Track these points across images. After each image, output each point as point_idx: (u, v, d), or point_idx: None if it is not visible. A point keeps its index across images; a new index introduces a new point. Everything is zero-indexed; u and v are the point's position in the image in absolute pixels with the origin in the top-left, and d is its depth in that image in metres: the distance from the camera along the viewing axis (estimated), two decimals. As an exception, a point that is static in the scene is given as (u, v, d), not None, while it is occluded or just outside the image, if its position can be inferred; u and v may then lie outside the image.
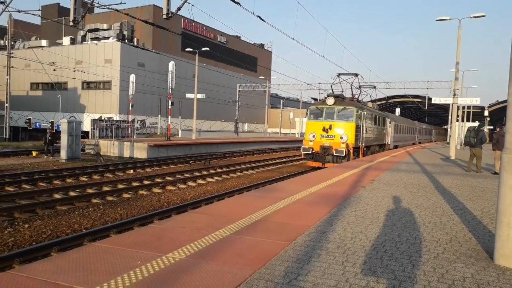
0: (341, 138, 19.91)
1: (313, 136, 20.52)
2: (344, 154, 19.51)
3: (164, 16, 15.06)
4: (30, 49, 46.22)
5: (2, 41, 58.17)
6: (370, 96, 30.80)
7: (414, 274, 3.92)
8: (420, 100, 59.95)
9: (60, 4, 62.30)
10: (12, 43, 43.80)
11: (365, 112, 21.81)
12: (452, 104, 24.64)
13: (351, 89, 25.00)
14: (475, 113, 58.15)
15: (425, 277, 3.84)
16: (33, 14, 21.16)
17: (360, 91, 26.70)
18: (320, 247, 4.67)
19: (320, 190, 8.88)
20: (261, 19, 17.19)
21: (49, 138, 23.39)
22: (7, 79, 35.91)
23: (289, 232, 5.26)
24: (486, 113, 55.93)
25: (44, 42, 53.81)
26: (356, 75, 24.59)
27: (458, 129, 34.27)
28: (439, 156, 22.91)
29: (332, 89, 25.63)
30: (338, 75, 25.03)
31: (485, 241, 5.20)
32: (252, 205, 6.96)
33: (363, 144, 21.60)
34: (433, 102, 28.25)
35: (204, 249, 4.47)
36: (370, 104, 25.75)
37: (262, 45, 78.85)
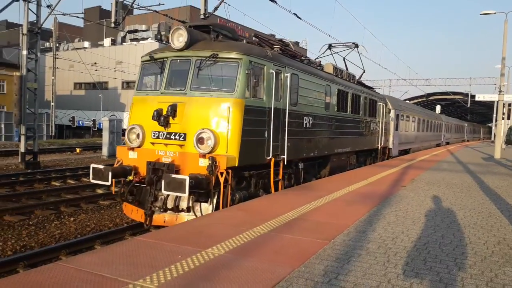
0: (200, 141, 7.33)
1: (138, 136, 8.06)
2: (204, 186, 6.95)
3: (201, 16, 15.23)
4: (74, 50, 48.14)
5: (47, 43, 61.01)
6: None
7: (460, 277, 3.77)
8: (462, 97, 57.68)
9: (102, 7, 64.57)
10: (57, 45, 45.80)
11: (288, 75, 8.98)
12: (498, 101, 23.52)
13: (344, 62, 16.13)
14: (522, 111, 55.17)
15: (473, 281, 3.68)
16: (77, 17, 22.04)
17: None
18: (360, 247, 4.57)
19: (359, 189, 8.71)
20: (298, 16, 17.03)
21: None
22: (53, 79, 37.64)
23: (327, 231, 5.19)
24: (534, 110, 53.03)
25: (86, 44, 55.90)
26: (356, 45, 15.30)
27: (504, 127, 32.21)
28: (482, 155, 21.95)
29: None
30: (329, 46, 15.49)
31: (537, 244, 4.93)
32: (288, 203, 6.93)
33: (285, 156, 8.86)
34: (476, 99, 27.14)
35: (242, 245, 4.49)
36: (330, 69, 12.68)
37: (297, 43, 78.40)
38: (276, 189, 8.72)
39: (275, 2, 16.48)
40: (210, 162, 7.02)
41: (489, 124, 79.97)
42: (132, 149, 8.03)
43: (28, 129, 17.66)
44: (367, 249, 4.51)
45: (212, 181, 7.03)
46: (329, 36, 37.74)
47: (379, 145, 17.14)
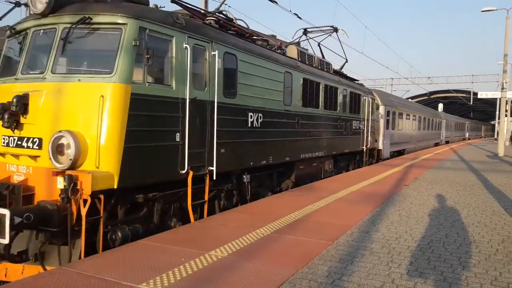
0: (59, 151, 4.84)
1: None
2: (55, 223, 4.61)
3: (202, 18, 15.25)
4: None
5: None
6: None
7: (464, 276, 3.75)
8: (464, 95, 57.50)
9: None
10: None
11: (216, 53, 6.54)
12: (500, 98, 23.45)
13: (320, 48, 14.16)
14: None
15: (477, 280, 3.66)
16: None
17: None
18: (363, 247, 4.56)
19: (362, 188, 8.70)
20: (298, 17, 17.02)
21: None
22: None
23: (330, 232, 5.18)
24: (537, 107, 52.81)
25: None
26: (336, 29, 13.62)
27: (506, 125, 31.90)
28: (485, 153, 21.88)
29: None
30: (305, 31, 13.76)
31: (542, 242, 4.90)
32: (291, 204, 6.92)
33: (214, 168, 6.47)
34: (479, 96, 27.03)
35: (245, 247, 4.49)
36: (294, 52, 10.16)
37: (298, 43, 78.47)
38: (201, 216, 6.46)
39: (276, 2, 16.49)
40: (65, 183, 4.57)
41: (491, 122, 79.65)
42: None
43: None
44: (370, 249, 4.49)
45: (72, 213, 4.64)
46: (330, 35, 37.65)
47: (364, 147, 14.67)
